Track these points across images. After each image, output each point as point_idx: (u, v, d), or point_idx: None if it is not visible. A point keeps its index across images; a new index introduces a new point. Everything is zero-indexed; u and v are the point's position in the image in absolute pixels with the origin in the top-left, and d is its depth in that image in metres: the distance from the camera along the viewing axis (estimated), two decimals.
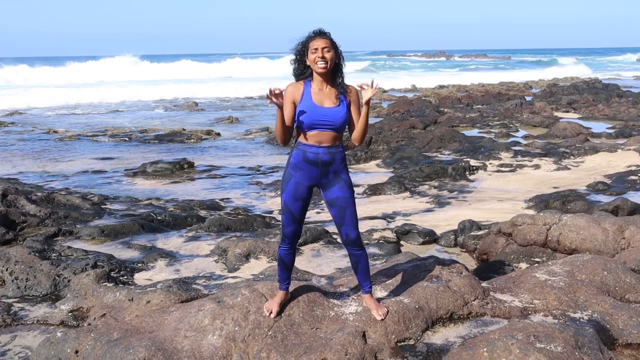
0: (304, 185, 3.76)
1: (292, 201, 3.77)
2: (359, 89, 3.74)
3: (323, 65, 3.61)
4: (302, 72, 3.75)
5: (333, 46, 3.66)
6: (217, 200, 10.21)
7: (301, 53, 3.72)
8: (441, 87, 39.99)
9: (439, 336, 3.96)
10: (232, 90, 37.28)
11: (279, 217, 8.75)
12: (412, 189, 10.85)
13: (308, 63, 3.68)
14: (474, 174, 12.04)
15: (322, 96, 3.68)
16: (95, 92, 34.64)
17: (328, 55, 3.62)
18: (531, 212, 8.42)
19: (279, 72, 45.19)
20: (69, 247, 6.58)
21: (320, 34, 3.68)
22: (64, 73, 51.94)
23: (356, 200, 3.89)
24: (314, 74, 3.70)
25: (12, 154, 15.93)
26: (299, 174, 3.75)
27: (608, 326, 4.04)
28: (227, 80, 45.08)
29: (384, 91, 36.85)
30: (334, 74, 3.72)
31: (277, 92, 3.56)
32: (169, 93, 35.65)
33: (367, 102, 3.67)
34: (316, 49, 3.62)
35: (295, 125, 3.76)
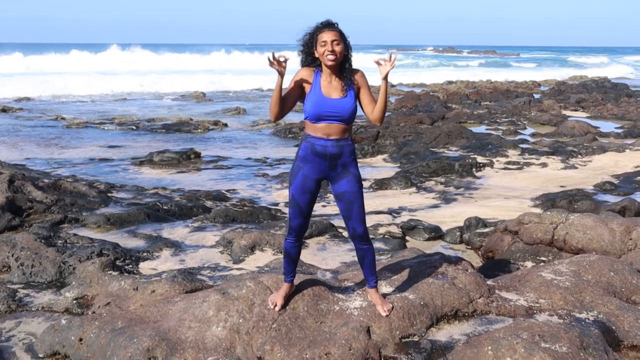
0: (312, 178, 3.74)
1: (300, 194, 3.76)
2: (375, 65, 3.69)
3: (332, 59, 3.58)
4: (310, 64, 3.72)
5: (342, 38, 3.62)
6: (223, 191, 10.21)
7: (309, 45, 3.68)
8: (449, 82, 39.85)
9: (444, 333, 3.95)
10: (239, 82, 37.26)
11: (285, 210, 8.76)
12: (418, 184, 10.83)
13: (317, 55, 3.65)
14: (480, 170, 12.00)
15: (330, 88, 3.66)
16: (103, 81, 34.61)
17: (337, 49, 3.58)
18: (538, 210, 8.38)
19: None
20: (74, 235, 6.60)
21: (329, 25, 3.62)
22: (68, 60, 51.84)
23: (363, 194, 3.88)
24: (323, 66, 3.67)
25: (20, 140, 15.97)
26: (307, 166, 3.73)
27: (614, 327, 4.03)
28: (234, 72, 44.96)
29: (392, 85, 36.76)
30: (342, 65, 3.69)
31: (281, 59, 3.52)
32: (177, 83, 35.60)
33: (385, 77, 3.62)
34: (325, 41, 3.57)
35: (303, 117, 3.75)
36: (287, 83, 3.69)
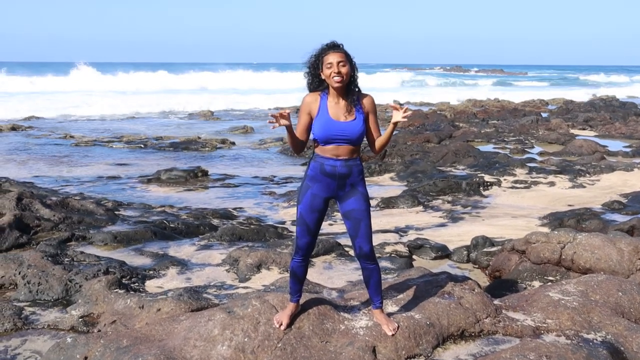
0: (320, 197, 3.75)
1: (308, 213, 3.76)
2: (389, 107, 3.76)
3: (339, 80, 3.59)
4: (318, 86, 3.74)
5: (348, 59, 3.65)
6: (230, 209, 10.22)
7: (315, 66, 3.71)
8: (457, 101, 39.88)
9: (450, 353, 3.92)
10: (247, 100, 37.44)
11: (292, 228, 8.76)
12: (425, 203, 10.81)
13: (323, 77, 3.68)
14: (488, 189, 11.97)
15: (338, 110, 3.67)
16: (112, 100, 34.88)
17: (344, 70, 3.60)
18: (545, 229, 8.34)
19: (292, 84, 45.24)
20: (81, 253, 6.62)
21: (334, 47, 3.66)
22: (77, 80, 52.12)
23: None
24: (330, 87, 3.69)
25: (29, 158, 16.07)
26: (316, 185, 3.75)
27: (622, 348, 3.99)
28: (242, 91, 45.24)
29: (400, 104, 36.82)
30: (349, 86, 3.71)
31: (284, 114, 3.57)
32: (186, 102, 35.78)
33: (395, 124, 3.68)
34: (331, 63, 3.60)
35: (312, 137, 3.77)
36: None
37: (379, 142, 3.82)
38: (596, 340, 4.01)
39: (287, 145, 17.75)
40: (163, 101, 35.54)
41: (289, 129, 3.62)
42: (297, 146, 3.75)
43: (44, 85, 47.79)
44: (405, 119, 3.68)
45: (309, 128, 3.75)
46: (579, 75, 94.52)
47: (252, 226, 8.50)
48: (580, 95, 47.30)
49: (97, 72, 58.46)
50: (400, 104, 3.75)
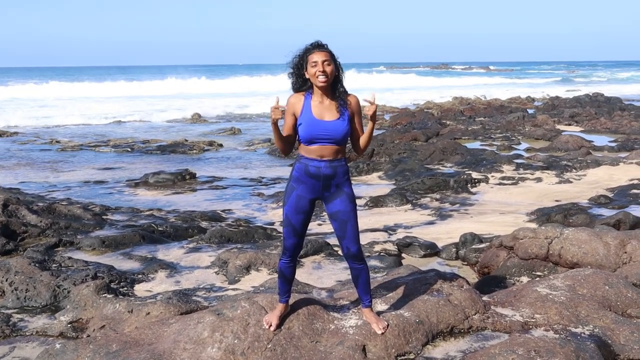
0: (306, 198, 3.75)
1: (293, 214, 3.76)
2: (364, 103, 3.73)
3: (324, 79, 3.60)
4: (302, 86, 3.74)
5: (332, 58, 3.65)
6: (218, 212, 10.20)
7: (299, 67, 3.70)
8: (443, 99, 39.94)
9: (440, 350, 3.94)
10: (234, 104, 37.35)
11: (280, 229, 8.75)
12: (413, 201, 10.84)
13: (307, 76, 3.68)
14: (475, 186, 12.02)
15: (323, 109, 3.67)
16: (99, 105, 34.72)
17: (328, 69, 3.60)
18: (533, 225, 8.39)
19: (279, 86, 45.24)
20: (69, 258, 6.58)
21: (319, 46, 3.66)
22: (64, 87, 51.89)
23: (358, 212, 3.88)
24: (314, 87, 3.69)
25: (14, 164, 15.95)
26: (301, 187, 3.75)
27: (609, 341, 4.02)
28: (228, 94, 45.20)
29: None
30: (333, 86, 3.71)
31: (278, 107, 3.59)
32: (173, 106, 35.67)
33: (372, 118, 3.67)
34: (315, 62, 3.60)
35: (296, 138, 3.77)
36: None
37: (362, 142, 3.81)
38: (584, 333, 4.04)
39: (275, 146, 17.76)
40: (149, 105, 35.39)
41: (275, 126, 3.62)
42: (285, 144, 3.75)
43: (28, 91, 47.48)
44: (375, 107, 3.64)
45: (295, 129, 3.75)
46: (566, 72, 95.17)
47: (240, 228, 8.49)
48: (565, 92, 47.38)
49: (84, 78, 58.13)
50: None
